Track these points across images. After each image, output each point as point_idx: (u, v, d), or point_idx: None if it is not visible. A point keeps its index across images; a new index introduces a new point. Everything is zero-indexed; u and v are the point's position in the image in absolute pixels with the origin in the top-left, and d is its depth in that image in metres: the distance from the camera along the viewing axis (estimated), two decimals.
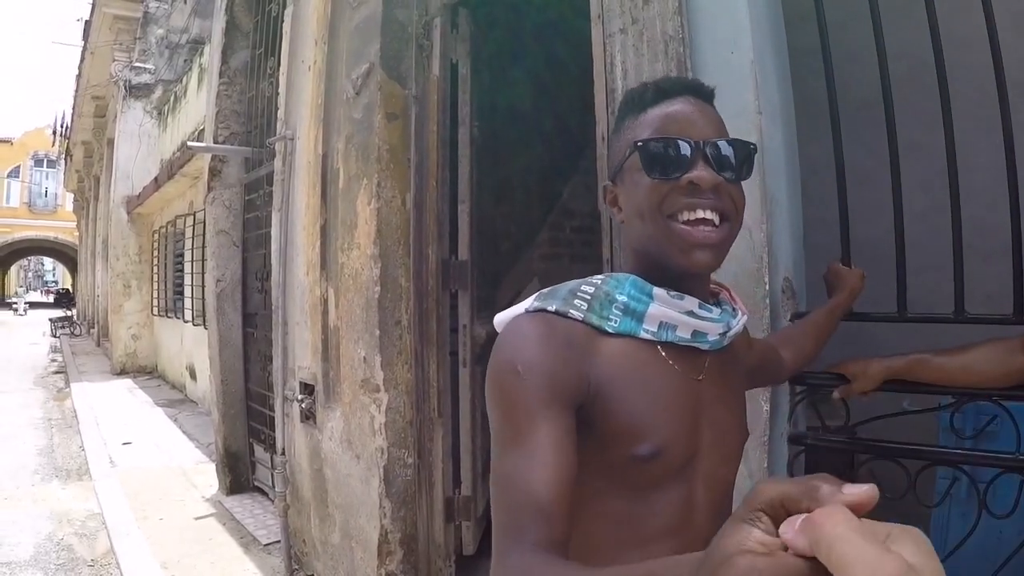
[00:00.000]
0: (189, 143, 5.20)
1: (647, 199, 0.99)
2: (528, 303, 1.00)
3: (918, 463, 1.74)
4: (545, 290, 1.02)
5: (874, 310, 1.77)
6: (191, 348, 9.67)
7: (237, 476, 5.17)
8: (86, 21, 15.16)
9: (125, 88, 12.51)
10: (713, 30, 1.87)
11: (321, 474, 3.50)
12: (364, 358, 2.97)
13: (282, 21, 4.31)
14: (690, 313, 0.99)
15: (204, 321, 8.60)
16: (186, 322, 9.91)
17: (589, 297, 0.98)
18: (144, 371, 12.51)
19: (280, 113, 4.07)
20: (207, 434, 6.81)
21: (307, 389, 3.51)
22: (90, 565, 4.23)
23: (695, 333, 1.00)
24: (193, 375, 9.71)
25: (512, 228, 3.59)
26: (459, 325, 3.00)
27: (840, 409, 1.77)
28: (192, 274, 9.37)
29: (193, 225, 9.13)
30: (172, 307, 11.45)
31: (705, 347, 1.03)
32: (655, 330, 0.98)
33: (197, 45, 11.78)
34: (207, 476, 5.59)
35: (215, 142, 5.19)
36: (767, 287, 1.69)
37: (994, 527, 1.71)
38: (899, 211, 1.76)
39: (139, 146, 12.45)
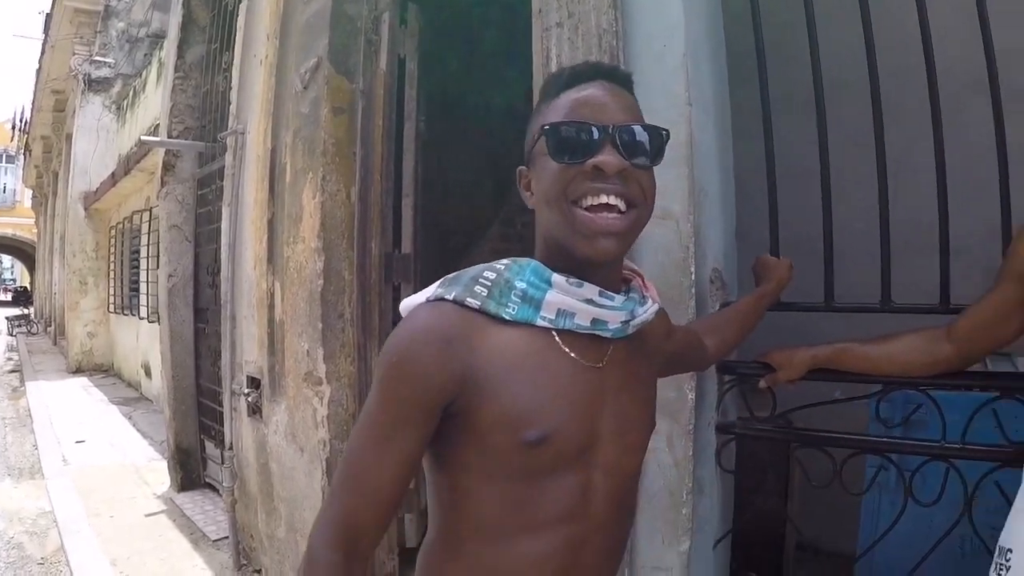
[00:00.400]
0: (143, 137, 5.16)
1: (552, 184, 0.97)
2: (432, 289, 1.01)
3: (844, 451, 1.80)
4: (452, 275, 1.02)
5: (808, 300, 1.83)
6: (147, 345, 9.55)
7: (188, 472, 5.14)
8: (47, 14, 14.94)
9: (84, 82, 12.35)
10: (647, 24, 1.90)
11: (267, 468, 3.49)
12: (307, 351, 2.98)
13: (237, 15, 4.31)
14: (589, 301, 0.98)
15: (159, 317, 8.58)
16: (142, 319, 9.81)
17: (490, 284, 0.98)
18: (100, 369, 12.35)
19: (232, 107, 4.06)
20: (161, 432, 6.72)
21: (254, 383, 3.50)
22: (40, 563, 4.20)
23: (595, 321, 0.99)
24: (148, 373, 9.60)
25: (461, 222, 3.62)
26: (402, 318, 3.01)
27: (768, 398, 1.81)
28: (148, 270, 9.27)
29: (149, 221, 9.06)
30: (128, 304, 11.32)
31: (607, 335, 1.02)
32: (552, 317, 0.98)
33: (157, 39, 11.62)
34: (159, 473, 5.54)
35: (169, 137, 5.15)
36: (693, 277, 1.74)
37: (925, 515, 1.75)
38: (827, 205, 1.82)
39: (97, 141, 12.32)
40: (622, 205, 0.96)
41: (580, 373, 1.00)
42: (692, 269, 1.73)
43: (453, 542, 1.02)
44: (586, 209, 0.96)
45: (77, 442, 6.94)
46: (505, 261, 1.03)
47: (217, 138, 4.60)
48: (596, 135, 0.95)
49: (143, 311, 9.68)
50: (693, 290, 1.73)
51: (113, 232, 12.20)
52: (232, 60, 4.33)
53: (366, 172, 2.90)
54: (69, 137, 13.40)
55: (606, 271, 1.01)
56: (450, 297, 0.97)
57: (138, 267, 10.53)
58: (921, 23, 1.67)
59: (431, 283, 1.05)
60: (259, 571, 3.79)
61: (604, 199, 0.95)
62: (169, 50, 5.58)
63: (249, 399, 3.48)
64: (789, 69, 1.93)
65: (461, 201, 3.62)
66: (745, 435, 1.85)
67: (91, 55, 12.86)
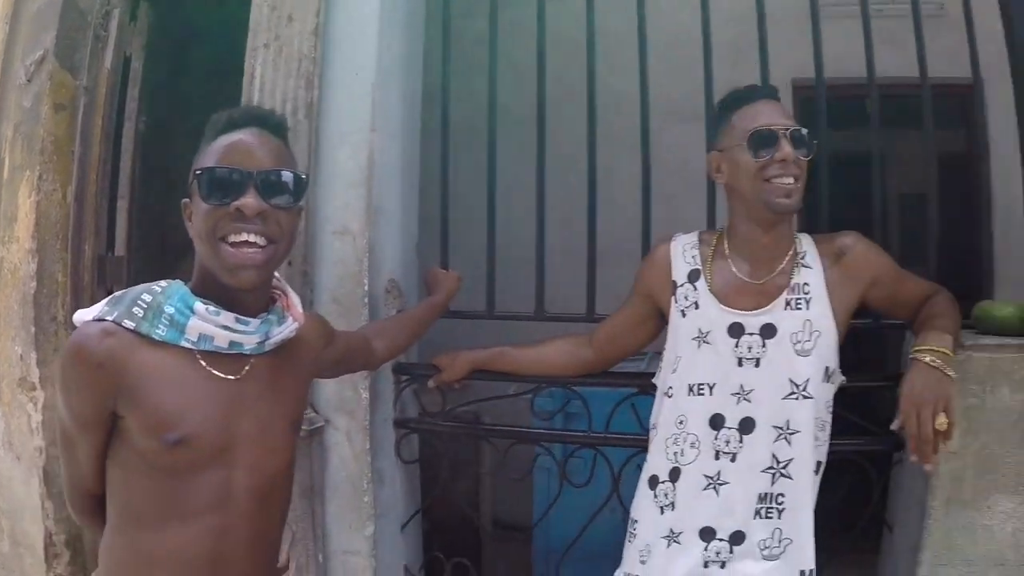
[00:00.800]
0: None
1: (203, 223, 1.14)
2: (99, 307, 1.15)
3: (506, 441, 2.07)
4: (119, 293, 1.17)
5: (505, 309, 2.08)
6: None
7: None
8: None
9: None
10: (344, 52, 2.08)
11: None
12: (21, 356, 2.87)
13: None
14: (225, 327, 1.15)
15: None
16: None
17: (145, 307, 1.13)
18: None
19: None
20: None
21: None
22: None
23: (232, 343, 1.17)
24: None
25: (182, 221, 3.59)
26: None
27: (439, 396, 2.04)
28: None
29: None
30: None
31: (247, 352, 1.19)
32: (195, 340, 1.15)
33: None
34: None
35: None
36: (366, 287, 1.92)
37: (588, 493, 2.02)
38: (492, 219, 2.07)
39: None
40: (261, 241, 1.13)
41: (217, 385, 1.17)
42: (366, 280, 1.91)
43: (117, 528, 1.18)
44: (230, 244, 1.12)
45: None
46: (163, 283, 1.18)
47: None
48: (239, 179, 1.11)
49: None
50: (366, 299, 1.92)
51: None
52: None
53: (83, 172, 2.84)
54: None
55: (251, 296, 1.19)
56: (111, 319, 1.11)
57: None
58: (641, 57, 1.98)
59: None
60: None
61: (245, 236, 1.12)
62: None
63: None
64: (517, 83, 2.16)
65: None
66: (420, 429, 2.06)
67: None
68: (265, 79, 2.13)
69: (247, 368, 1.20)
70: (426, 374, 1.95)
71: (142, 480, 1.15)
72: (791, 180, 1.48)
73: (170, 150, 2.96)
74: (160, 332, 1.12)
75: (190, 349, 1.15)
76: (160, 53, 3.07)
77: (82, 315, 1.17)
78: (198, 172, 1.15)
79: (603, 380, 1.90)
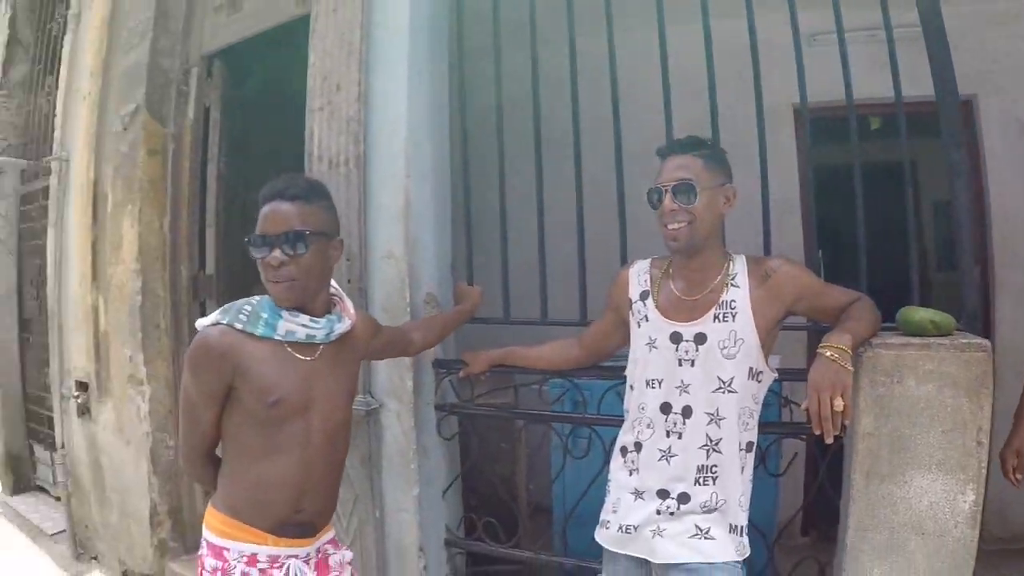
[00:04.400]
0: None
1: (260, 267, 1.70)
2: (215, 316, 1.70)
3: (521, 422, 2.58)
4: (226, 305, 1.73)
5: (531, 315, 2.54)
6: None
7: (19, 476, 5.38)
8: None
9: None
10: (381, 115, 2.57)
11: (98, 463, 3.93)
12: (130, 357, 3.49)
13: (61, 45, 4.62)
14: (304, 325, 1.71)
15: None
16: None
17: (248, 314, 1.67)
18: None
19: (57, 134, 4.40)
20: None
21: (82, 387, 3.92)
22: None
23: (308, 335, 1.72)
24: None
25: None
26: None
27: (468, 385, 2.55)
28: None
29: None
30: None
31: (318, 341, 1.74)
32: (283, 334, 1.69)
33: None
34: None
35: None
36: (408, 299, 2.44)
37: (589, 464, 2.42)
38: (504, 241, 2.57)
39: None
40: (289, 281, 1.66)
41: (299, 364, 1.73)
42: (407, 294, 2.44)
43: (233, 463, 1.76)
44: (272, 283, 1.68)
45: None
46: (256, 299, 1.74)
47: (40, 156, 4.89)
48: (267, 243, 1.66)
49: None
50: (408, 309, 2.44)
51: None
52: (56, 84, 4.65)
53: (176, 206, 3.45)
54: None
55: (308, 307, 1.74)
56: (224, 322, 1.67)
57: None
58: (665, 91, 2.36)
59: (232, 298, 1.77)
60: (95, 557, 4.19)
61: (276, 278, 1.66)
62: None
63: (79, 401, 3.90)
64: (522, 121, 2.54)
65: None
66: (456, 412, 2.58)
67: None
68: (321, 136, 2.65)
69: (319, 352, 1.75)
70: (458, 368, 2.46)
71: (250, 430, 1.69)
72: (676, 225, 1.78)
73: (248, 184, 3.52)
74: (260, 330, 1.66)
75: (280, 341, 1.68)
76: (234, 104, 3.64)
77: (203, 322, 1.70)
78: (247, 239, 1.70)
79: (596, 373, 2.30)
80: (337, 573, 1.84)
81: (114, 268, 3.60)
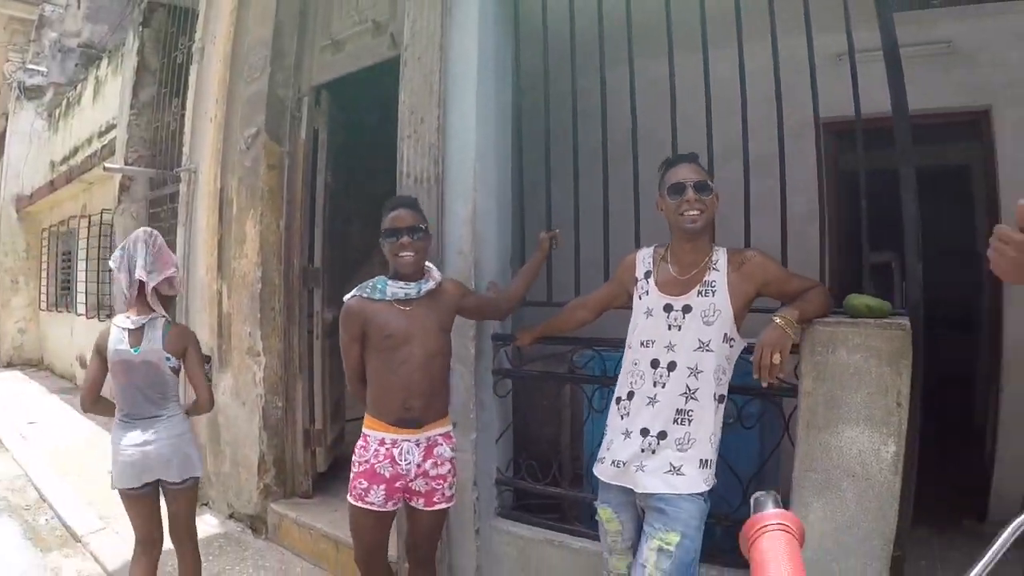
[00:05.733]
0: (106, 165, 6.26)
1: (388, 250, 2.62)
2: (353, 292, 2.60)
3: (558, 383, 3.24)
4: (359, 285, 2.61)
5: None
6: (82, 340, 10.08)
7: None
8: None
9: (19, 89, 12.83)
10: (455, 141, 3.27)
11: (215, 421, 4.74)
12: (249, 333, 4.30)
13: (187, 73, 5.50)
14: (401, 287, 2.55)
15: (98, 314, 9.38)
16: (79, 315, 10.38)
17: (370, 288, 2.57)
18: (30, 363, 12.83)
19: (185, 149, 5.27)
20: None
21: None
22: (26, 508, 5.20)
23: (406, 294, 2.55)
24: (83, 364, 9.93)
25: (357, 243, 4.97)
26: (314, 312, 4.39)
27: (519, 354, 3.23)
28: (87, 271, 9.98)
29: (89, 227, 9.78)
30: (59, 302, 11.78)
31: (412, 297, 2.58)
32: (390, 296, 2.55)
33: (88, 49, 12.37)
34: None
35: (125, 164, 6.29)
36: (473, 285, 3.10)
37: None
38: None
39: (30, 146, 12.81)
40: (410, 256, 2.55)
41: (402, 312, 2.57)
42: (473, 282, 3.11)
43: (372, 380, 2.65)
44: (399, 257, 2.53)
45: (29, 423, 7.82)
46: (375, 279, 2.62)
47: (166, 166, 5.79)
48: (397, 233, 2.55)
49: (80, 308, 10.31)
50: (472, 281, 3.10)
51: (46, 235, 12.71)
52: (182, 106, 5.54)
53: (290, 210, 4.25)
54: (1, 138, 13.80)
55: (409, 276, 2.59)
56: (356, 294, 2.57)
57: (70, 268, 11.12)
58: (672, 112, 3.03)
59: (335, 288, 2.81)
60: (207, 503, 4.91)
61: (403, 254, 2.54)
62: (124, 91, 6.69)
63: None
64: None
65: (359, 228, 4.94)
66: (509, 375, 3.25)
67: (24, 63, 13.40)
68: (409, 159, 3.37)
69: (413, 304, 2.61)
70: (510, 340, 3.13)
71: (375, 357, 2.61)
72: (695, 212, 2.23)
73: (348, 193, 4.29)
74: (376, 295, 2.61)
75: (389, 301, 2.60)
76: (338, 127, 4.43)
77: (347, 296, 2.64)
78: (383, 231, 2.61)
79: (615, 344, 2.77)
80: (436, 461, 2.64)
81: (238, 261, 4.42)
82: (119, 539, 4.35)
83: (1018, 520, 1.17)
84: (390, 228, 2.59)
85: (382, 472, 2.57)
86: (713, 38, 2.80)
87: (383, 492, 2.57)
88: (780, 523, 0.94)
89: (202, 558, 3.26)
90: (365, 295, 2.60)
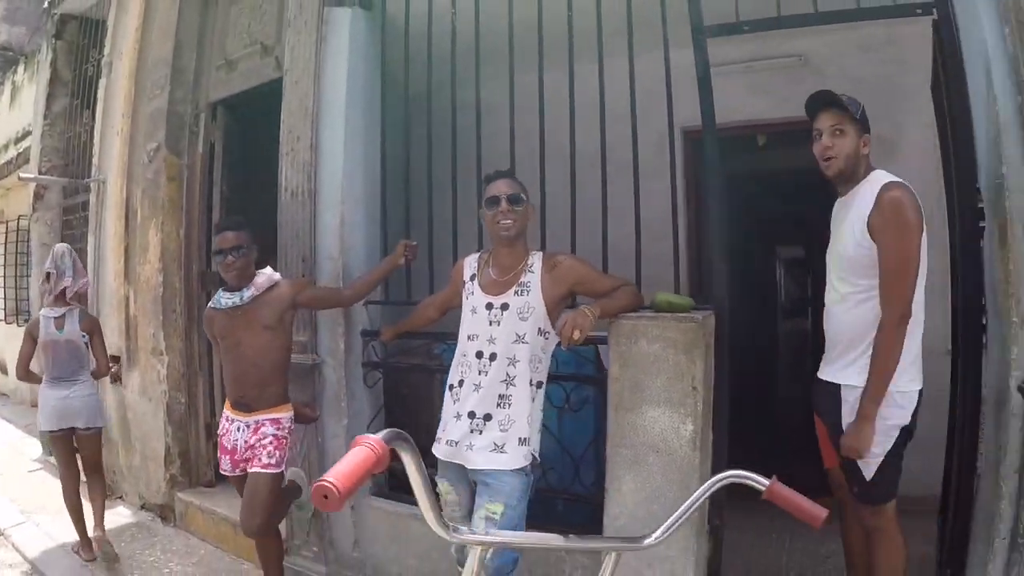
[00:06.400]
0: (21, 174, 6.45)
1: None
2: (211, 302, 3.07)
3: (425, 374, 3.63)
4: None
5: None
6: (2, 345, 9.83)
7: None
8: None
9: None
10: (328, 158, 3.59)
11: (125, 419, 5.04)
12: (153, 334, 4.62)
13: (96, 87, 5.71)
14: (227, 297, 3.03)
15: (16, 318, 9.31)
16: None
17: (214, 299, 3.02)
18: None
19: (95, 160, 5.51)
20: (23, 418, 7.85)
21: (115, 360, 5.02)
22: None
23: (232, 303, 3.02)
24: (4, 370, 9.71)
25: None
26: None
27: (384, 348, 3.60)
28: (4, 276, 9.87)
29: (7, 233, 9.61)
30: None
31: (237, 304, 2.99)
32: (223, 306, 3.01)
33: (5, 52, 12.18)
34: (32, 446, 6.69)
35: (40, 173, 6.48)
36: (340, 283, 3.46)
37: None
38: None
39: None
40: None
41: (232, 317, 3.01)
42: (342, 284, 3.45)
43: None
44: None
45: None
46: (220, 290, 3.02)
47: (80, 177, 6.00)
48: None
49: None
50: (340, 284, 3.44)
51: None
52: (92, 117, 5.73)
53: (189, 219, 4.60)
54: None
55: (235, 287, 3.04)
56: (212, 305, 3.09)
57: None
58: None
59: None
60: (121, 496, 5.22)
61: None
62: (38, 102, 6.85)
63: (112, 370, 5.00)
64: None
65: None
66: (377, 367, 3.62)
67: None
68: (288, 174, 3.69)
69: (241, 309, 3.03)
70: (377, 336, 3.49)
71: (221, 354, 3.20)
72: (508, 221, 2.50)
73: (244, 202, 4.62)
74: (219, 305, 3.10)
75: (224, 309, 3.07)
76: (233, 141, 4.76)
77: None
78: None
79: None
80: (260, 437, 3.04)
81: (142, 267, 4.73)
82: (39, 531, 4.66)
83: (713, 479, 1.54)
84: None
85: (226, 444, 3.14)
86: (579, 52, 3.04)
87: (229, 461, 3.14)
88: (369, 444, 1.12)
89: (115, 546, 4.13)
90: (213, 306, 3.12)
